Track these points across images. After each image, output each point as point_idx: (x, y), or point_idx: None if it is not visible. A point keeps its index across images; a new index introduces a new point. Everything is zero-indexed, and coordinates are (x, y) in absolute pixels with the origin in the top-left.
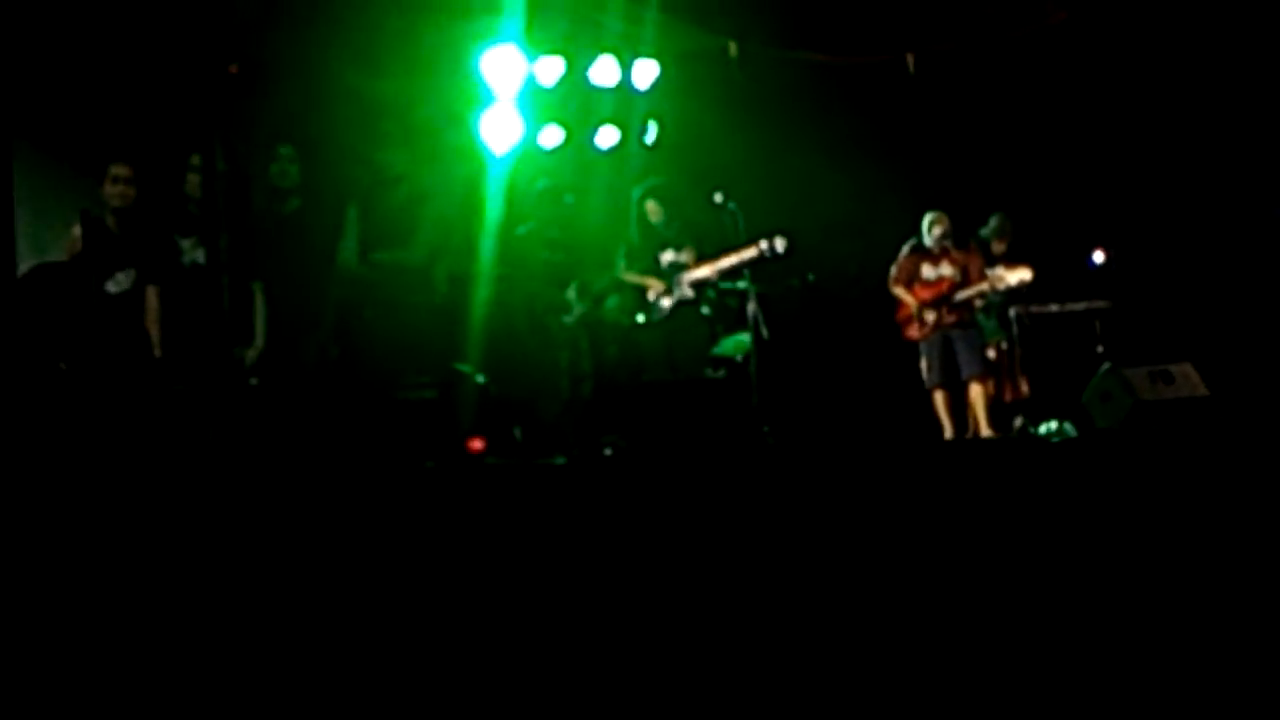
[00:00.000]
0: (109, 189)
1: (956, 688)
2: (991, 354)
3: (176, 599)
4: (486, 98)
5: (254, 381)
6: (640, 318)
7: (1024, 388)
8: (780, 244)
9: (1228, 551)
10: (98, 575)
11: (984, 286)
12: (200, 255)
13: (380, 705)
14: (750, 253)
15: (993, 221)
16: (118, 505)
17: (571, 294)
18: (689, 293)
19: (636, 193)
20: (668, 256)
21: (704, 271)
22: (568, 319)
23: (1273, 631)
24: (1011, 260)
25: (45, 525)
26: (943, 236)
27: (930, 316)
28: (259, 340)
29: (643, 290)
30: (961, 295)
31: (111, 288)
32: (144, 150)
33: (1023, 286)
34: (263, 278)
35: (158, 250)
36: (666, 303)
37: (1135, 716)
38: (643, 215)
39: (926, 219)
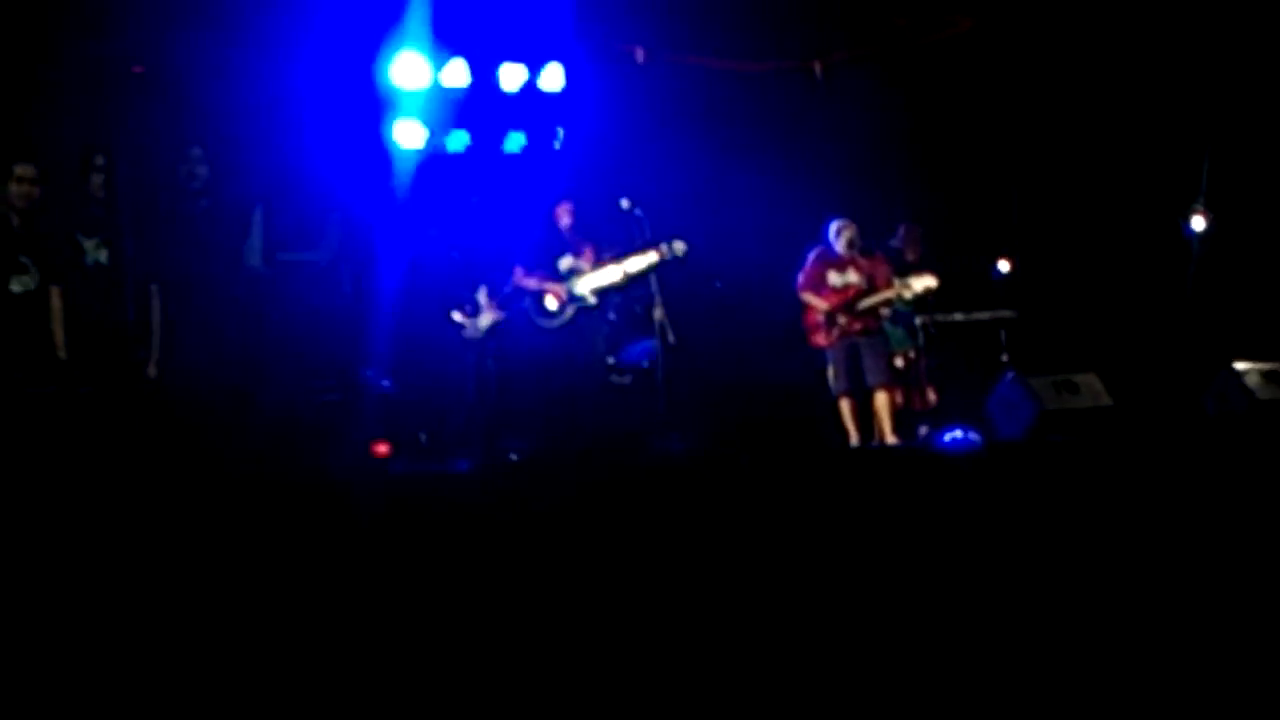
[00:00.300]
0: (14, 188)
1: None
2: (899, 362)
3: (72, 600)
4: (393, 101)
5: (153, 380)
6: (542, 323)
7: (931, 397)
8: (680, 247)
9: (1129, 557)
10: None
11: (889, 294)
12: (103, 255)
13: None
14: (649, 258)
15: (902, 230)
16: (20, 507)
17: (480, 298)
18: (590, 299)
19: (547, 197)
20: (566, 262)
21: (599, 277)
22: (476, 321)
23: (1172, 630)
24: (922, 269)
25: None
26: (849, 244)
27: (837, 323)
28: (153, 344)
29: (541, 295)
30: (867, 303)
31: (15, 287)
32: (47, 150)
33: (928, 294)
34: (166, 279)
35: (60, 250)
36: (566, 309)
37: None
38: (551, 220)
39: (833, 226)
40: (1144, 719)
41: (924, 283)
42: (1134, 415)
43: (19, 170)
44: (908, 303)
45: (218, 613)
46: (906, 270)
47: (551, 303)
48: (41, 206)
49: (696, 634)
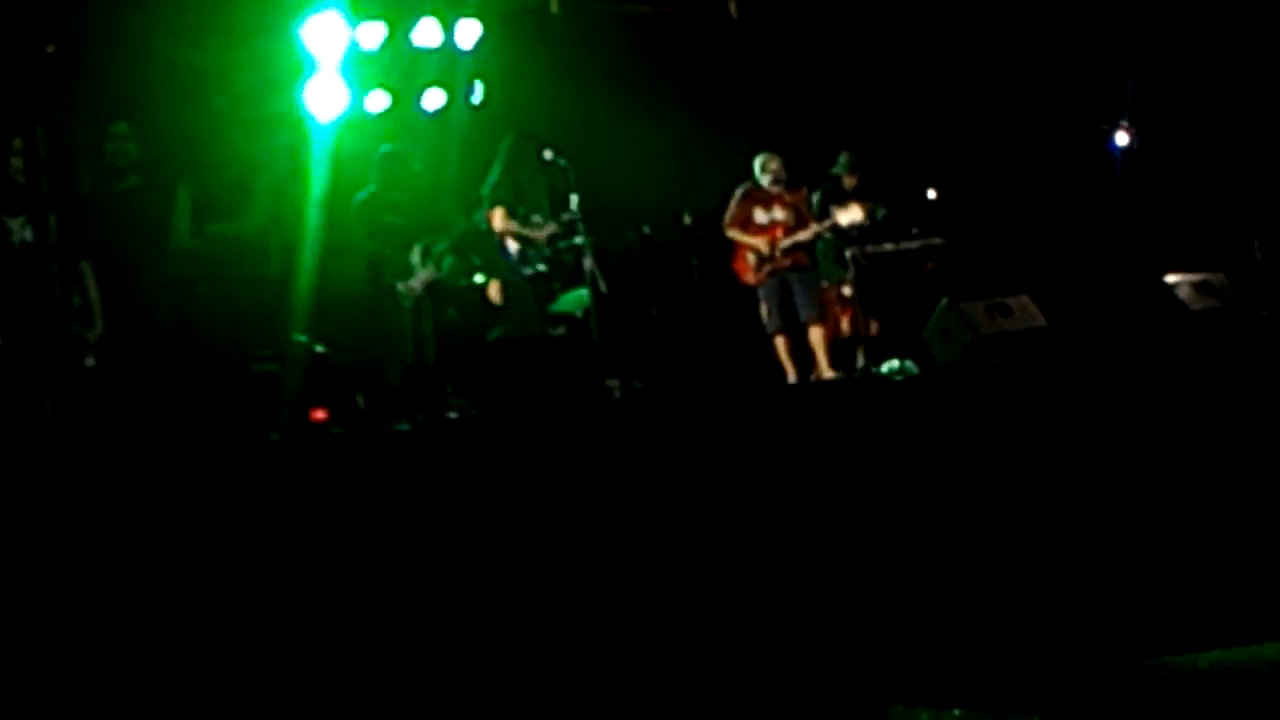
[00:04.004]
0: None
1: (806, 627)
2: (847, 291)
3: (19, 589)
4: (310, 65)
5: (91, 362)
6: (479, 278)
7: (873, 327)
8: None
9: (1071, 478)
10: None
11: (815, 228)
12: (29, 234)
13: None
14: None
15: (842, 159)
16: None
17: (414, 257)
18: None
19: (506, 144)
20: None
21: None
22: (411, 282)
23: (1113, 545)
24: (860, 197)
25: None
26: (774, 179)
27: (767, 261)
28: (97, 321)
29: (522, 241)
30: (791, 240)
31: None
32: None
33: (853, 227)
34: (95, 256)
35: None
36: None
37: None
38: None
39: (758, 160)
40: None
41: (850, 216)
42: (1068, 335)
43: None
44: (839, 234)
45: (158, 592)
46: (843, 198)
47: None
48: None
49: (650, 578)
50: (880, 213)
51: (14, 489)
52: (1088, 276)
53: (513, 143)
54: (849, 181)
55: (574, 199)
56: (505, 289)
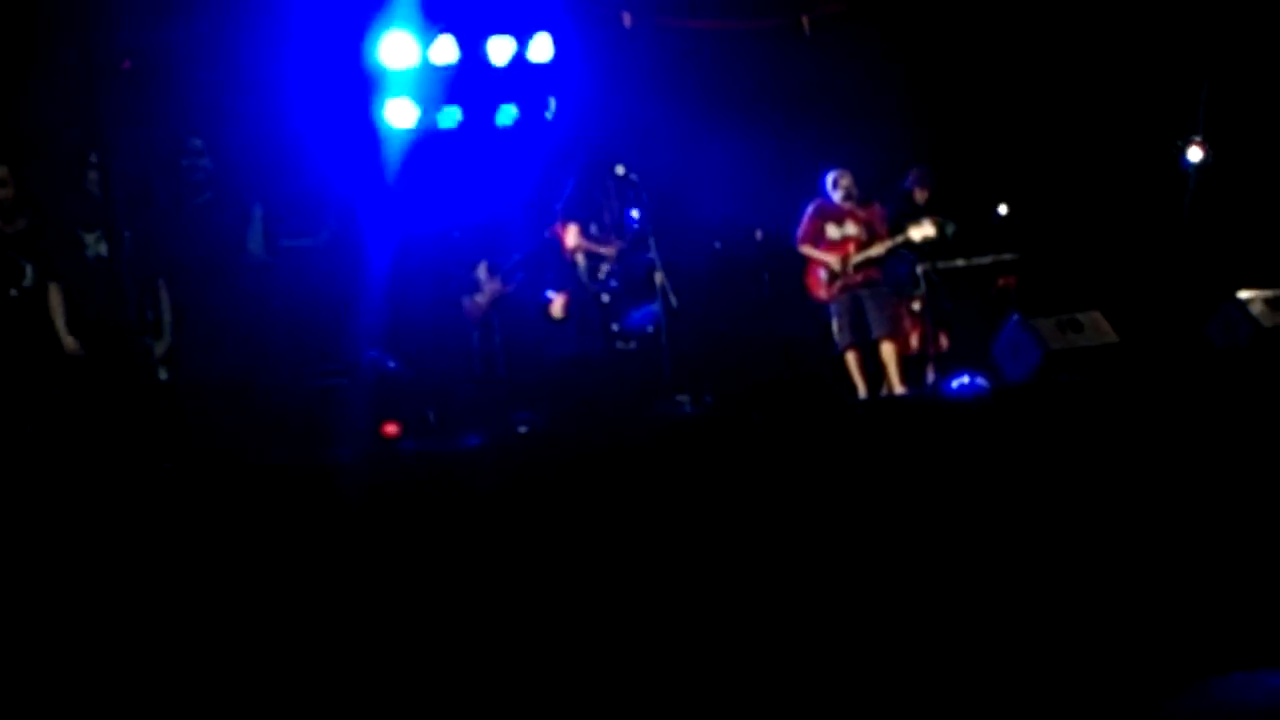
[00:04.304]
0: None
1: (868, 640)
2: (917, 306)
3: (86, 597)
4: (383, 81)
5: (164, 375)
6: (547, 293)
7: (943, 341)
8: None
9: (1143, 492)
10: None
11: (888, 244)
12: (104, 249)
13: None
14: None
15: (913, 172)
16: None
17: (481, 273)
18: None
19: (578, 160)
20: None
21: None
22: (478, 297)
23: (1186, 562)
24: (931, 212)
25: None
26: (846, 194)
27: (839, 277)
28: (166, 335)
29: (593, 257)
30: (863, 255)
31: (13, 291)
32: (43, 150)
33: (926, 242)
34: (171, 271)
35: (59, 246)
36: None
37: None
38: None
39: (829, 177)
40: (1159, 652)
41: (923, 231)
42: (1140, 350)
43: None
44: (914, 249)
45: (232, 604)
46: (916, 213)
47: (606, 268)
48: (17, 206)
49: (720, 595)
50: (950, 228)
51: (89, 500)
52: (1160, 292)
53: (584, 159)
54: (920, 196)
55: (645, 214)
56: (570, 304)
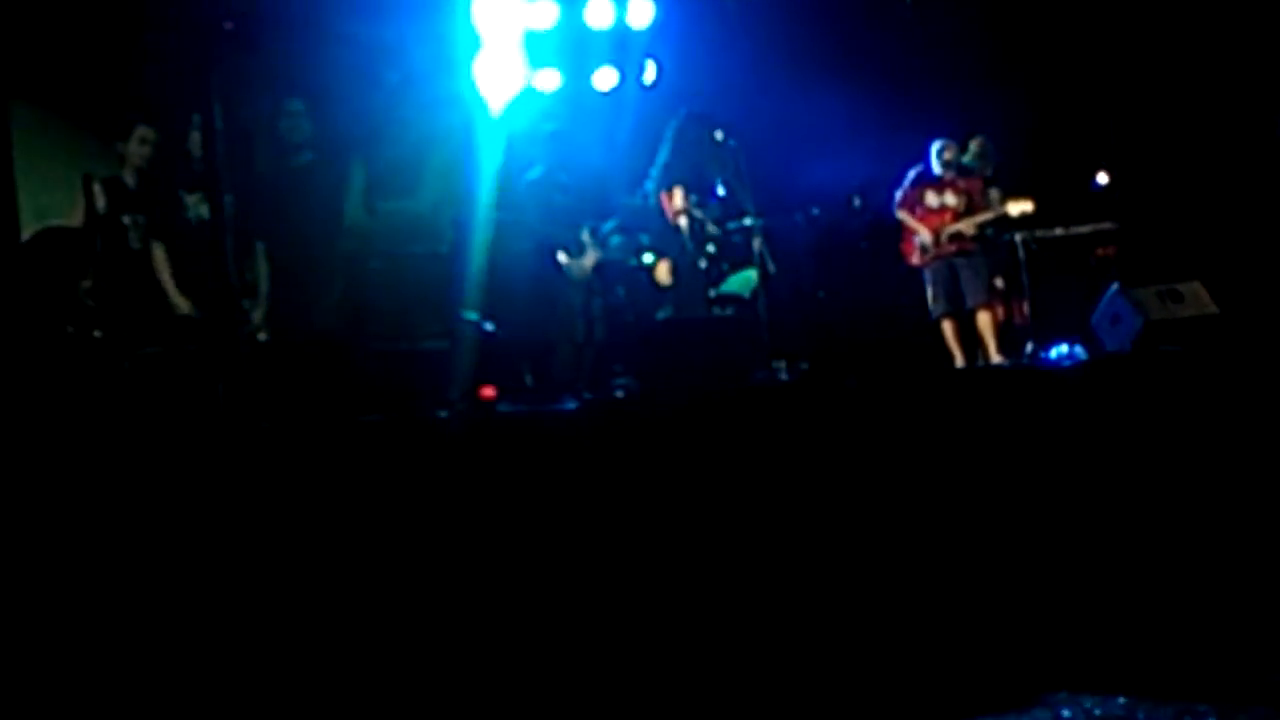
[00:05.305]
0: (134, 149)
1: (969, 613)
2: (999, 283)
3: (196, 556)
4: (482, 44)
5: (263, 337)
6: (648, 258)
7: (1025, 310)
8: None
9: (1242, 464)
10: (118, 542)
11: (983, 217)
12: (205, 210)
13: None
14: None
15: (973, 147)
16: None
17: (585, 236)
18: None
19: (675, 124)
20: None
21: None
22: (581, 260)
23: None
24: (996, 183)
25: (58, 493)
26: (949, 165)
27: (933, 245)
28: (263, 298)
29: (694, 222)
30: (961, 225)
31: (135, 244)
32: (146, 109)
33: (1024, 218)
34: (270, 234)
35: (163, 206)
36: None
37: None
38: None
39: (935, 146)
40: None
41: (1021, 207)
42: (1240, 322)
43: (141, 132)
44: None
45: (327, 563)
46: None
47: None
48: (152, 168)
49: (814, 562)
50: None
51: (187, 461)
52: (1261, 263)
53: (683, 123)
54: (986, 170)
55: (743, 180)
56: (675, 269)
